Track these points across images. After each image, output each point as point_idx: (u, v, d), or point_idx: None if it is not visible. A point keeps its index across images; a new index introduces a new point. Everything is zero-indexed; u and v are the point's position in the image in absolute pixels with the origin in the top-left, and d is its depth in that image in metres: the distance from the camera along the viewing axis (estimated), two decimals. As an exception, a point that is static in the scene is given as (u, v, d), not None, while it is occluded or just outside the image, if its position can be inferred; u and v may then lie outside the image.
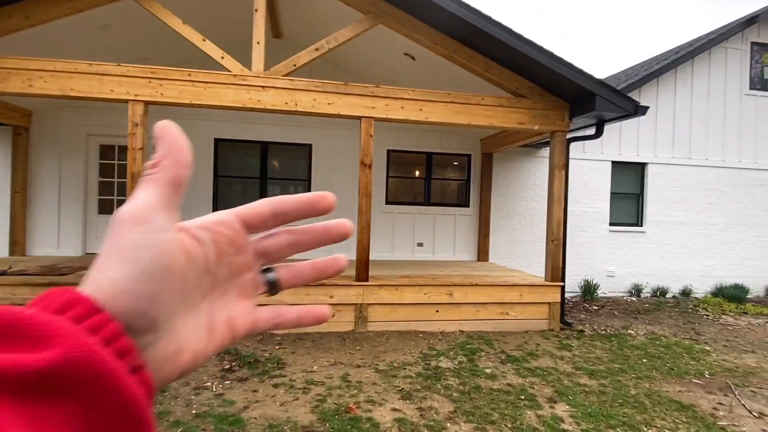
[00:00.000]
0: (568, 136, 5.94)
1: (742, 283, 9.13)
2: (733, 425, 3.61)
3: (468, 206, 8.43)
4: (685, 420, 3.67)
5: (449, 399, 3.79)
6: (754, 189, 9.36)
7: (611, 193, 8.82)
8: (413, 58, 6.31)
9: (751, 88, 9.27)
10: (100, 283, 0.27)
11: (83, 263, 6.23)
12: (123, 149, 7.40)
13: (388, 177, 8.19)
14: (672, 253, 9.09)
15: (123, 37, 6.19)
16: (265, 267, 0.36)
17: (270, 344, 4.88)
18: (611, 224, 8.82)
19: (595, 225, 8.75)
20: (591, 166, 8.69)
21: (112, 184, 7.42)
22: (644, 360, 5.07)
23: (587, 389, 4.14)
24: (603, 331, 6.11)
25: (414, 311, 5.53)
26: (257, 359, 4.40)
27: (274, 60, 5.33)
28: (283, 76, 5.14)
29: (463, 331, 5.66)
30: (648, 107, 5.58)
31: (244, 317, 0.35)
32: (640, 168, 9.03)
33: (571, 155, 8.55)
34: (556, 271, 5.81)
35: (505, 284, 5.72)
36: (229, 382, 3.93)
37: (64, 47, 5.37)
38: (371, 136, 5.38)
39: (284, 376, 4.07)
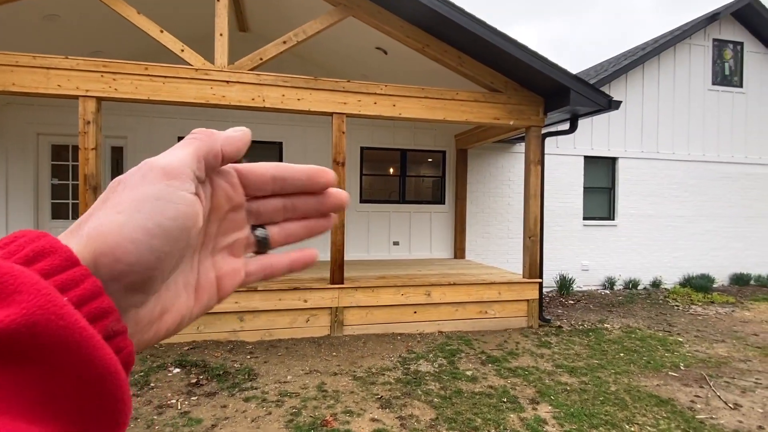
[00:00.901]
0: (543, 131, 5.89)
1: (708, 273, 9.42)
2: (711, 418, 3.62)
3: (443, 203, 8.34)
4: (665, 415, 3.66)
5: (430, 405, 3.65)
6: (717, 182, 9.65)
7: (584, 187, 8.91)
8: (385, 53, 6.13)
9: (713, 84, 9.55)
10: (104, 227, 0.24)
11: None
12: (78, 149, 6.93)
13: (362, 175, 8.00)
14: (642, 245, 9.28)
15: (72, 29, 5.75)
16: (255, 225, 0.34)
17: (241, 354, 4.62)
18: (585, 218, 8.92)
19: (570, 219, 8.82)
20: (564, 161, 8.74)
21: (67, 187, 6.94)
22: (621, 354, 5.08)
23: (568, 388, 4.08)
24: (580, 327, 6.12)
25: (391, 313, 5.37)
26: (227, 371, 4.14)
27: (240, 54, 5.04)
28: (249, 70, 4.87)
29: (442, 332, 5.54)
30: (621, 102, 5.59)
31: (232, 276, 0.32)
32: (611, 162, 9.17)
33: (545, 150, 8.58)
34: (534, 267, 5.77)
35: (483, 282, 5.63)
36: (196, 397, 3.67)
37: (2, 40, 4.93)
38: (343, 132, 5.17)
39: (256, 389, 3.83)
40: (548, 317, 6.09)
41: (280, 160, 7.62)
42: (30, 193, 6.67)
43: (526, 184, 5.83)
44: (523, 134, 7.50)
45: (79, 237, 0.24)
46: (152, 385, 3.86)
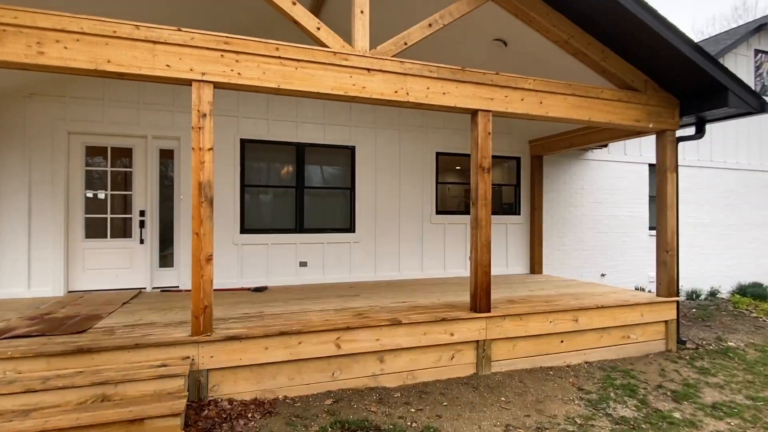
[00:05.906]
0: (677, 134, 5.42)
1: (758, 281, 9.42)
2: None
3: (518, 214, 7.72)
4: None
5: (694, 468, 2.94)
6: (762, 190, 9.74)
7: (649, 196, 8.63)
8: (505, 44, 5.45)
9: (756, 93, 9.65)
10: None
11: (89, 308, 4.51)
12: (118, 152, 5.71)
13: (437, 183, 7.22)
14: (701, 254, 9.13)
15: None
16: None
17: (396, 405, 3.70)
18: (650, 228, 8.62)
19: (637, 230, 8.49)
20: (631, 169, 8.42)
21: (104, 199, 5.65)
22: (790, 380, 4.63)
23: (800, 429, 3.53)
24: (710, 347, 5.66)
25: (538, 344, 4.64)
26: (410, 435, 3.22)
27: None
28: (392, 56, 4.02)
29: (588, 362, 4.87)
30: (771, 104, 5.20)
31: None
32: (670, 171, 8.96)
33: (611, 157, 8.21)
34: (672, 284, 5.25)
35: (627, 304, 5.03)
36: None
37: (92, 4, 3.77)
38: (489, 134, 4.42)
39: (470, 460, 2.95)
40: (684, 339, 5.58)
41: (353, 165, 6.70)
42: (59, 205, 5.34)
43: (661, 193, 5.32)
44: (603, 143, 7.05)
45: None
46: (332, 463, 2.88)
